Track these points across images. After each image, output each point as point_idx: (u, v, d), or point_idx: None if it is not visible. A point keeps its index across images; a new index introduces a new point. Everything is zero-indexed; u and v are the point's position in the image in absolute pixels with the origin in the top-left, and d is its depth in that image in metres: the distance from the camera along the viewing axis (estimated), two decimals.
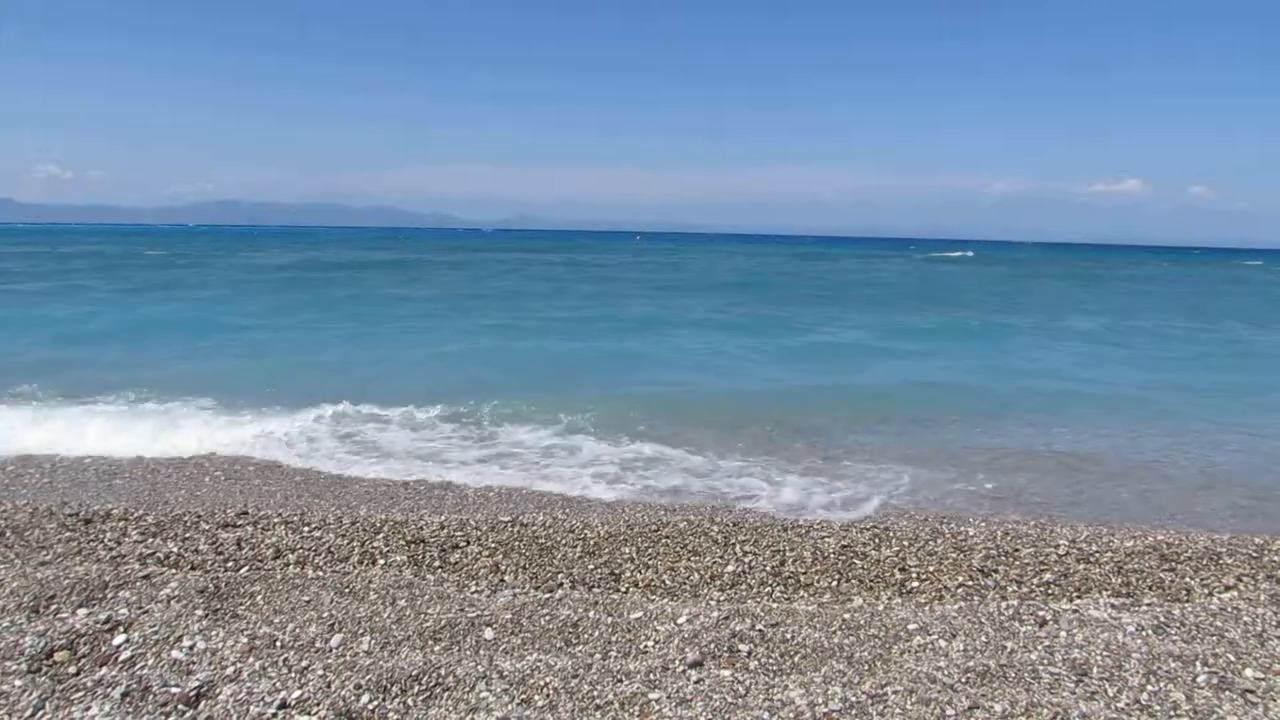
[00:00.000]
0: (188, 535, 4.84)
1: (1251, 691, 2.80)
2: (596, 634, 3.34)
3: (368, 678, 2.73)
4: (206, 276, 32.46)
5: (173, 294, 24.22)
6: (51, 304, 20.38)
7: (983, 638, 3.32)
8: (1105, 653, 3.08)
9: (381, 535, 4.92)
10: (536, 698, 2.68)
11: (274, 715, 2.52)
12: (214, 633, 3.04)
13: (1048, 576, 4.49)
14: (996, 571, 4.57)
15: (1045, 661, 3.01)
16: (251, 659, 2.86)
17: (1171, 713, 2.66)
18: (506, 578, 4.38)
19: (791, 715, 2.60)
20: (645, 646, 3.23)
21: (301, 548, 4.66)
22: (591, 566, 4.57)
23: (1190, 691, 2.78)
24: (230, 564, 4.39)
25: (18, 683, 2.63)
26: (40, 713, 2.50)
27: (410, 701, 2.64)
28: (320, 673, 2.77)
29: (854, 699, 2.69)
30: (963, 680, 2.85)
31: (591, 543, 4.93)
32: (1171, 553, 4.86)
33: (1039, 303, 28.03)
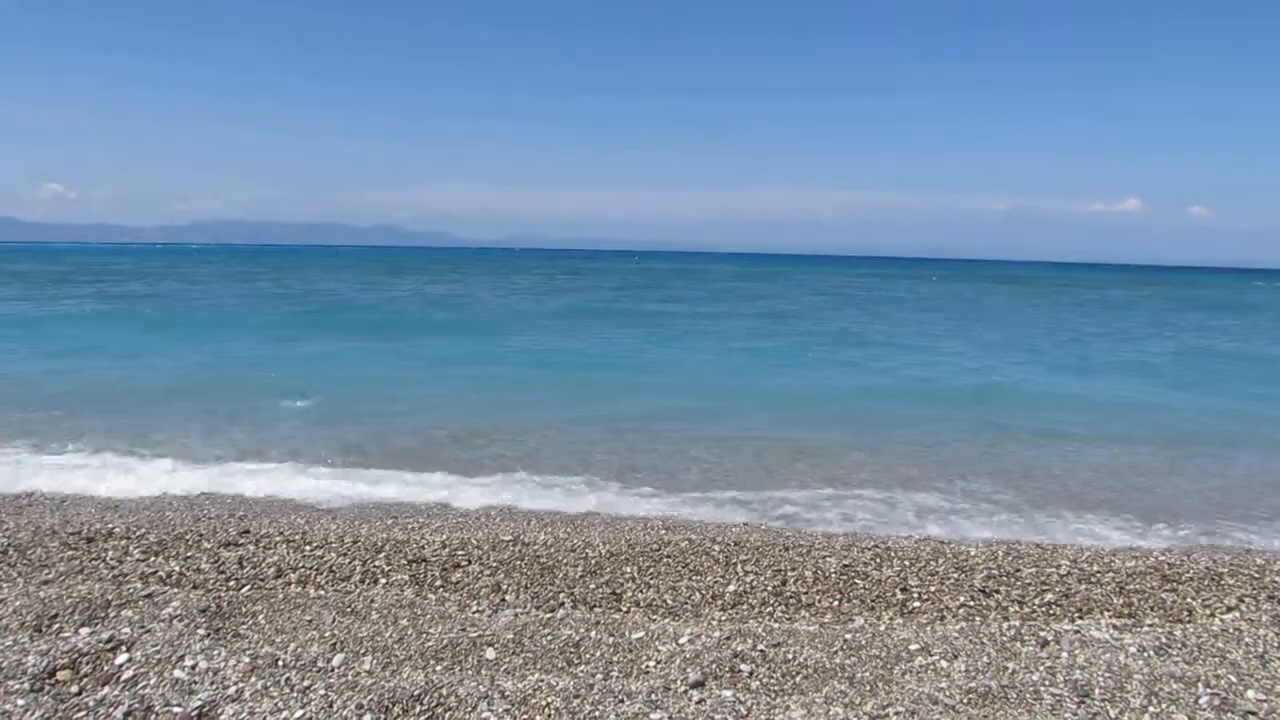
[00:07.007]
0: (189, 554, 4.84)
1: (1254, 714, 2.79)
2: (598, 654, 3.34)
3: (369, 698, 2.73)
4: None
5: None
6: None
7: (984, 658, 3.31)
8: (1107, 674, 3.08)
9: (383, 554, 4.93)
10: (538, 718, 2.68)
11: None
12: (216, 652, 3.04)
13: (1049, 597, 4.48)
14: (998, 591, 4.56)
15: (1047, 682, 3.00)
16: (253, 679, 2.86)
17: None
18: (508, 597, 4.38)
19: None
20: (647, 666, 3.23)
21: (303, 566, 4.67)
22: (593, 586, 4.57)
23: (1192, 713, 2.77)
24: (232, 583, 4.40)
25: (20, 702, 2.64)
26: None
27: None
28: (322, 693, 2.78)
29: None
30: (964, 701, 2.85)
31: (593, 562, 4.93)
32: (1173, 573, 4.85)
33: None
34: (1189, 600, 4.43)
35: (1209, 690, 2.95)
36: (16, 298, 28.18)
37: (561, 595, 4.42)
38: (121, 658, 2.97)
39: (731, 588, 4.58)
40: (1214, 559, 5.25)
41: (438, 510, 6.49)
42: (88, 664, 2.92)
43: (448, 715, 2.68)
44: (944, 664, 3.26)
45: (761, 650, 3.35)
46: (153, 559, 4.72)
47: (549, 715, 2.70)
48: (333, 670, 3.01)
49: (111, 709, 2.61)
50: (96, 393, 11.27)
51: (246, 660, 2.99)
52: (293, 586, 4.38)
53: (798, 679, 3.13)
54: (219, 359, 15.08)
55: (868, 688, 3.04)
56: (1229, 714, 2.78)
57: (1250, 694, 2.94)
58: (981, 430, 9.96)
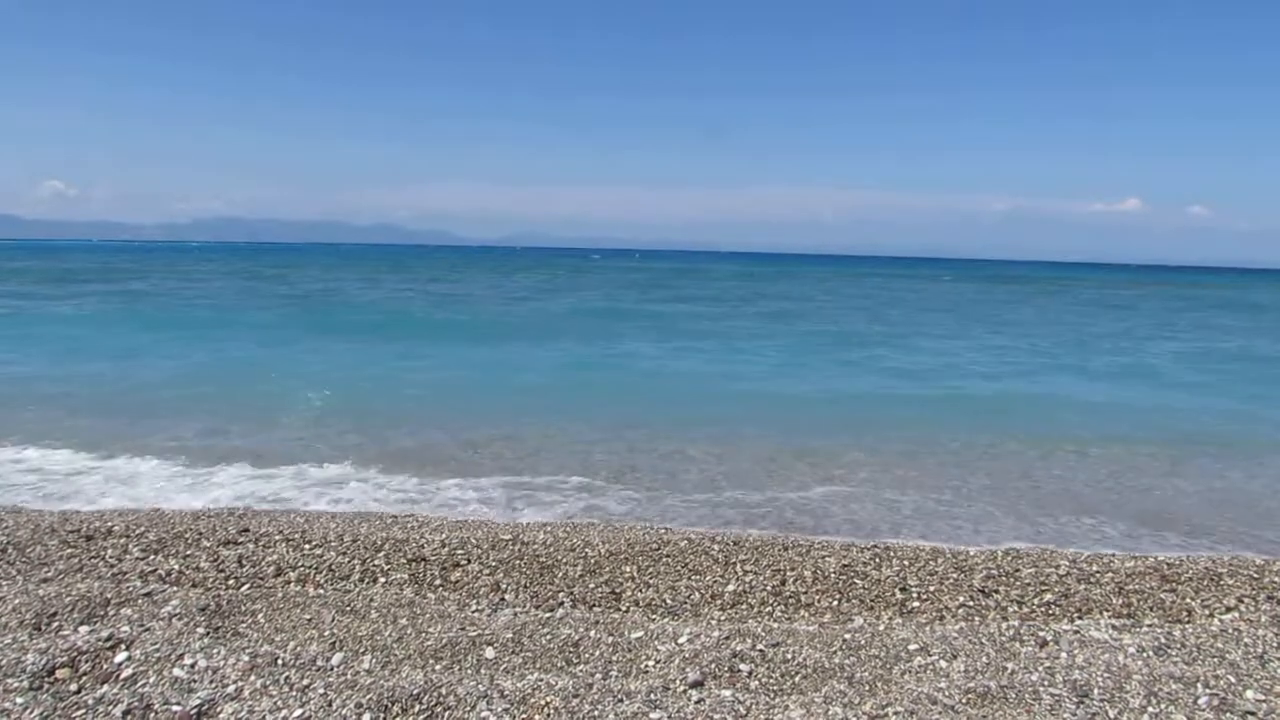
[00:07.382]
0: (189, 552, 4.84)
1: (1253, 714, 2.79)
2: (597, 653, 3.34)
3: (369, 697, 2.73)
4: None
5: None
6: None
7: (984, 658, 3.31)
8: (1106, 674, 3.08)
9: (382, 553, 4.93)
10: (537, 717, 2.68)
11: None
12: (215, 651, 3.04)
13: (1049, 597, 4.48)
14: (997, 592, 4.56)
15: (1046, 683, 3.00)
16: (253, 677, 2.86)
17: None
18: (507, 596, 4.38)
19: None
20: (646, 666, 3.23)
21: (303, 565, 4.67)
22: (592, 585, 4.57)
23: (1191, 714, 2.77)
24: (231, 581, 4.40)
25: (19, 700, 2.64)
26: None
27: None
28: (321, 692, 2.78)
29: None
30: (964, 701, 2.85)
31: (592, 561, 4.93)
32: (1172, 574, 4.85)
33: None
34: (1188, 600, 4.43)
35: (1208, 690, 2.95)
36: (16, 296, 28.19)
37: (561, 594, 4.42)
38: (121, 656, 2.97)
39: (731, 587, 4.58)
40: (1213, 559, 5.25)
41: (437, 509, 6.49)
42: (87, 662, 2.92)
43: (447, 714, 2.68)
44: (943, 664, 3.26)
45: (760, 650, 3.35)
46: (152, 557, 4.72)
47: (548, 714, 2.70)
48: (332, 669, 3.01)
49: (111, 707, 2.61)
50: (95, 392, 11.27)
51: (246, 659, 2.99)
52: (292, 585, 4.38)
53: (797, 679, 3.13)
54: (219, 359, 15.08)
55: (867, 688, 3.04)
56: (1228, 714, 2.78)
57: (1249, 694, 2.94)
58: (981, 431, 9.96)
